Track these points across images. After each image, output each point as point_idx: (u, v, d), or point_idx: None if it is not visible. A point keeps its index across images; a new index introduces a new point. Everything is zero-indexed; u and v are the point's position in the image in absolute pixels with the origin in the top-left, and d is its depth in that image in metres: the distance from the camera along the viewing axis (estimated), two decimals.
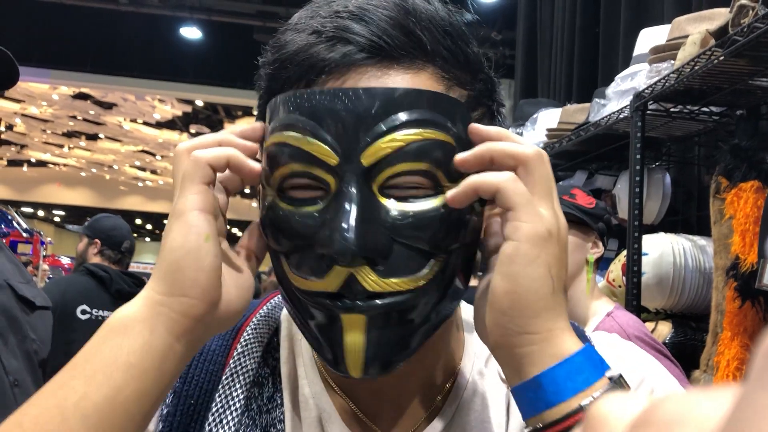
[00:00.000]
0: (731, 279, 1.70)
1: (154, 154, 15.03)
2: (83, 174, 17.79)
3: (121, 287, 2.80)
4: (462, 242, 0.53)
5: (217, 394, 0.59)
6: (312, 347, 0.56)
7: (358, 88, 0.50)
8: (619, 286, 2.26)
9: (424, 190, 0.51)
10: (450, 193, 0.50)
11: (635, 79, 2.07)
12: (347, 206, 0.49)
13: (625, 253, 2.11)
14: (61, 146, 15.20)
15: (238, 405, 0.59)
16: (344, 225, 0.48)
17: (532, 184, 0.49)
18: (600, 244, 1.75)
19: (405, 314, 0.52)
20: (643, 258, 2.03)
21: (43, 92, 10.93)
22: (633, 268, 1.97)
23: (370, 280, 0.50)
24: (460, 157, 0.50)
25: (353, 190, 0.50)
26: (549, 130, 2.66)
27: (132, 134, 13.34)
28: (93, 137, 14.21)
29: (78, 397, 0.46)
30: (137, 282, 2.92)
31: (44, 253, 7.37)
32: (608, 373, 0.47)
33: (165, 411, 0.59)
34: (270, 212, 0.53)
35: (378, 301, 0.50)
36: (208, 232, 0.50)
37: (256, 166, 0.52)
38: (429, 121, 0.50)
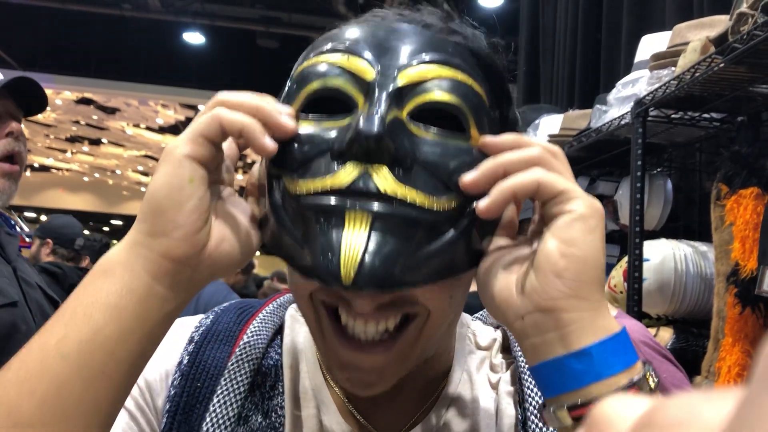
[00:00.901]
0: (731, 285, 1.70)
1: (157, 159, 15.03)
2: (86, 179, 17.80)
3: (74, 281, 2.74)
4: (472, 209, 0.50)
5: (222, 379, 0.61)
6: (296, 266, 0.51)
7: (404, 25, 0.51)
8: (621, 292, 2.26)
9: (451, 129, 0.50)
10: (482, 202, 0.48)
11: (636, 85, 2.08)
12: (376, 103, 0.47)
13: (626, 259, 2.11)
14: (64, 151, 15.22)
15: (242, 389, 0.61)
16: (369, 118, 0.46)
17: (563, 173, 0.49)
18: None
19: (416, 231, 0.48)
20: (645, 264, 2.04)
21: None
22: (634, 274, 1.98)
23: (385, 179, 0.46)
24: (470, 177, 0.49)
25: (383, 105, 0.47)
26: (551, 135, 2.67)
27: (135, 139, 13.36)
28: (96, 142, 14.23)
29: (58, 337, 0.46)
30: None
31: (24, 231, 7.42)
32: (642, 359, 0.47)
33: (173, 392, 0.61)
34: (282, 145, 0.49)
35: (390, 208, 0.46)
36: (192, 176, 0.48)
37: (271, 145, 0.49)
38: (465, 68, 0.50)
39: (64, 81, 9.62)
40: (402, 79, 0.48)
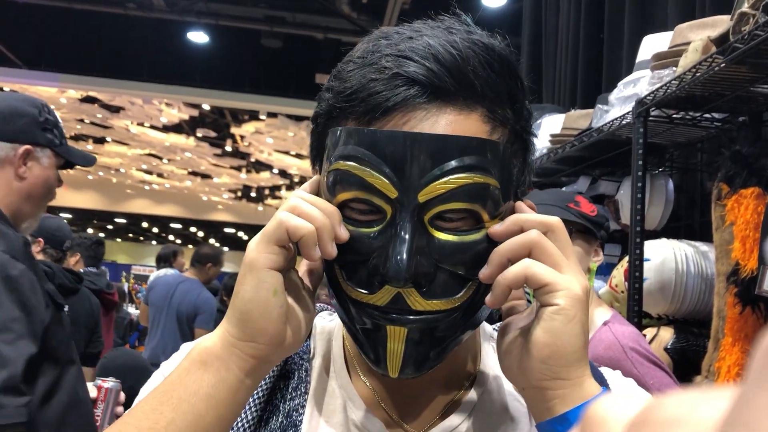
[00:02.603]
0: (732, 285, 1.71)
1: (160, 158, 15.07)
2: (90, 177, 17.84)
3: (62, 282, 2.89)
4: None
5: None
6: (357, 346, 0.63)
7: (417, 133, 0.56)
8: (622, 292, 2.26)
9: (468, 225, 0.59)
10: (489, 299, 0.59)
11: (638, 85, 2.08)
12: (402, 236, 0.56)
13: (627, 258, 2.11)
14: None
15: (262, 394, 0.66)
16: (399, 254, 0.56)
17: (562, 246, 0.57)
18: (600, 252, 1.77)
19: (439, 328, 0.60)
20: (645, 264, 2.04)
21: (51, 96, 10.98)
22: (635, 274, 1.98)
23: (415, 300, 0.58)
24: (485, 273, 0.59)
25: (407, 221, 0.57)
26: (552, 135, 2.67)
27: (139, 138, 13.37)
28: (100, 141, 14.27)
29: (167, 421, 0.54)
30: (78, 278, 3.04)
31: None
32: None
33: None
34: None
35: (419, 317, 0.58)
36: (276, 287, 0.56)
37: (317, 255, 0.57)
38: (477, 167, 0.57)
39: (68, 80, 9.65)
40: (422, 197, 0.56)
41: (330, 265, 0.62)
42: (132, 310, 7.90)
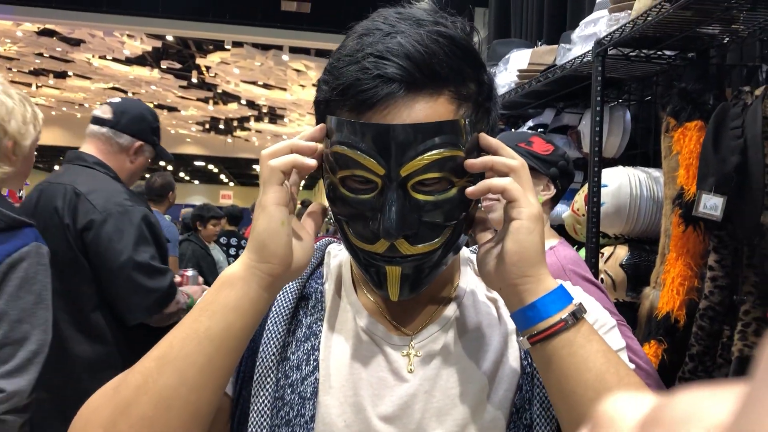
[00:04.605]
0: (677, 207, 1.93)
1: (125, 91, 14.75)
2: (54, 113, 17.42)
3: None
4: (462, 217, 0.77)
5: (272, 306, 0.83)
6: (365, 277, 0.80)
7: (394, 125, 0.70)
8: (583, 215, 2.48)
9: (442, 186, 0.74)
10: (469, 189, 0.74)
11: (597, 24, 2.24)
12: (390, 203, 0.72)
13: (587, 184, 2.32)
14: (29, 85, 14.83)
15: (287, 311, 0.83)
16: (389, 218, 0.72)
17: (523, 184, 0.74)
18: (552, 186, 1.90)
19: (425, 264, 0.77)
20: (603, 189, 2.25)
21: (7, 29, 10.60)
22: (593, 199, 2.19)
23: (404, 247, 0.75)
24: (470, 162, 0.74)
25: (393, 191, 0.73)
26: (520, 71, 2.83)
27: (102, 71, 13.02)
28: (61, 75, 13.86)
29: (205, 327, 0.69)
30: None
31: (21, 194, 7.50)
32: (574, 301, 0.73)
33: None
34: (335, 192, 0.77)
35: (409, 259, 0.76)
36: (284, 219, 0.72)
37: (312, 163, 0.74)
38: (444, 144, 0.72)
39: (23, 12, 9.31)
40: (403, 172, 0.72)
41: (339, 221, 0.78)
42: None
